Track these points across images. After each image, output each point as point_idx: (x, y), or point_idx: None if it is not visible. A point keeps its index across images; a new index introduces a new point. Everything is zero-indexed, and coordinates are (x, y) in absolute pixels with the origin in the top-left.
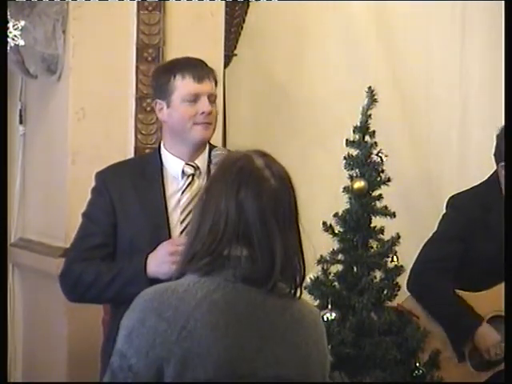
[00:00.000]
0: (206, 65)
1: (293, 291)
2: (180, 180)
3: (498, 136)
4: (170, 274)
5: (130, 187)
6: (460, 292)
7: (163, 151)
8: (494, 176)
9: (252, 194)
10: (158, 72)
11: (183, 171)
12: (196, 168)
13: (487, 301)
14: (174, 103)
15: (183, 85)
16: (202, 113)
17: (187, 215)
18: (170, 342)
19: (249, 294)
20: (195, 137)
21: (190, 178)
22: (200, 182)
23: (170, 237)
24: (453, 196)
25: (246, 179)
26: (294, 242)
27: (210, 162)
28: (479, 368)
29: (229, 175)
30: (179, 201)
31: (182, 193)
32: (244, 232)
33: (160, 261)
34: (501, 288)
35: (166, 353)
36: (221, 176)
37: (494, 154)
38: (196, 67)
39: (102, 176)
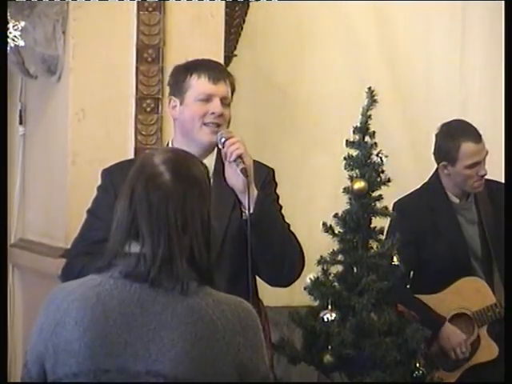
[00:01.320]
0: (225, 69)
1: (179, 288)
2: None
3: (436, 135)
4: None
5: None
6: (418, 296)
7: None
8: (435, 176)
9: (141, 191)
10: (175, 70)
11: None
12: (204, 167)
13: (446, 300)
14: (187, 101)
15: (198, 84)
16: (213, 113)
17: None
18: (47, 338)
19: (128, 290)
20: (202, 139)
21: None
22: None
23: None
24: (397, 201)
25: (138, 177)
26: (187, 237)
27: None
28: (447, 369)
29: (130, 174)
30: None
31: None
32: (136, 229)
33: None
34: (457, 286)
35: (43, 348)
36: (128, 176)
37: (434, 153)
38: (213, 69)
39: (108, 173)
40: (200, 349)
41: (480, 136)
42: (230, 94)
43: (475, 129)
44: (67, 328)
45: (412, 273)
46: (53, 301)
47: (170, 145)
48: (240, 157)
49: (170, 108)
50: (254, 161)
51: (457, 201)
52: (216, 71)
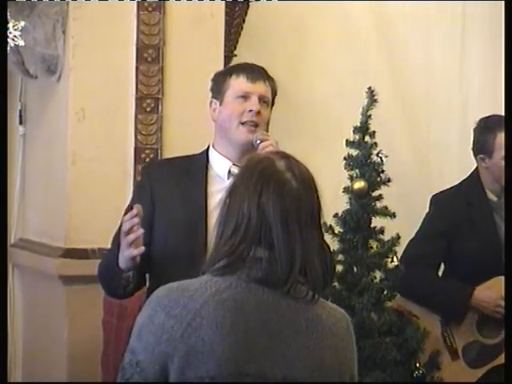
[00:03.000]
0: (266, 72)
1: (311, 294)
2: (226, 180)
3: (474, 129)
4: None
5: (173, 183)
6: None
7: (211, 151)
8: (474, 173)
9: (273, 197)
10: (216, 74)
11: (230, 171)
12: None
13: None
14: (226, 101)
15: (236, 83)
16: (250, 111)
17: None
18: (175, 338)
19: (261, 295)
20: (239, 137)
21: None
22: None
23: (206, 232)
24: (435, 194)
25: (267, 182)
26: (316, 244)
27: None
28: (473, 365)
29: (250, 178)
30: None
31: None
32: (265, 234)
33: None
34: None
35: (170, 349)
36: (243, 179)
37: (472, 148)
38: (252, 69)
39: (147, 170)
40: (332, 357)
41: None
42: (269, 95)
43: None
44: (204, 330)
45: (443, 267)
46: (172, 300)
47: (210, 147)
48: None
49: (211, 111)
50: None
51: (494, 199)
52: (255, 71)
